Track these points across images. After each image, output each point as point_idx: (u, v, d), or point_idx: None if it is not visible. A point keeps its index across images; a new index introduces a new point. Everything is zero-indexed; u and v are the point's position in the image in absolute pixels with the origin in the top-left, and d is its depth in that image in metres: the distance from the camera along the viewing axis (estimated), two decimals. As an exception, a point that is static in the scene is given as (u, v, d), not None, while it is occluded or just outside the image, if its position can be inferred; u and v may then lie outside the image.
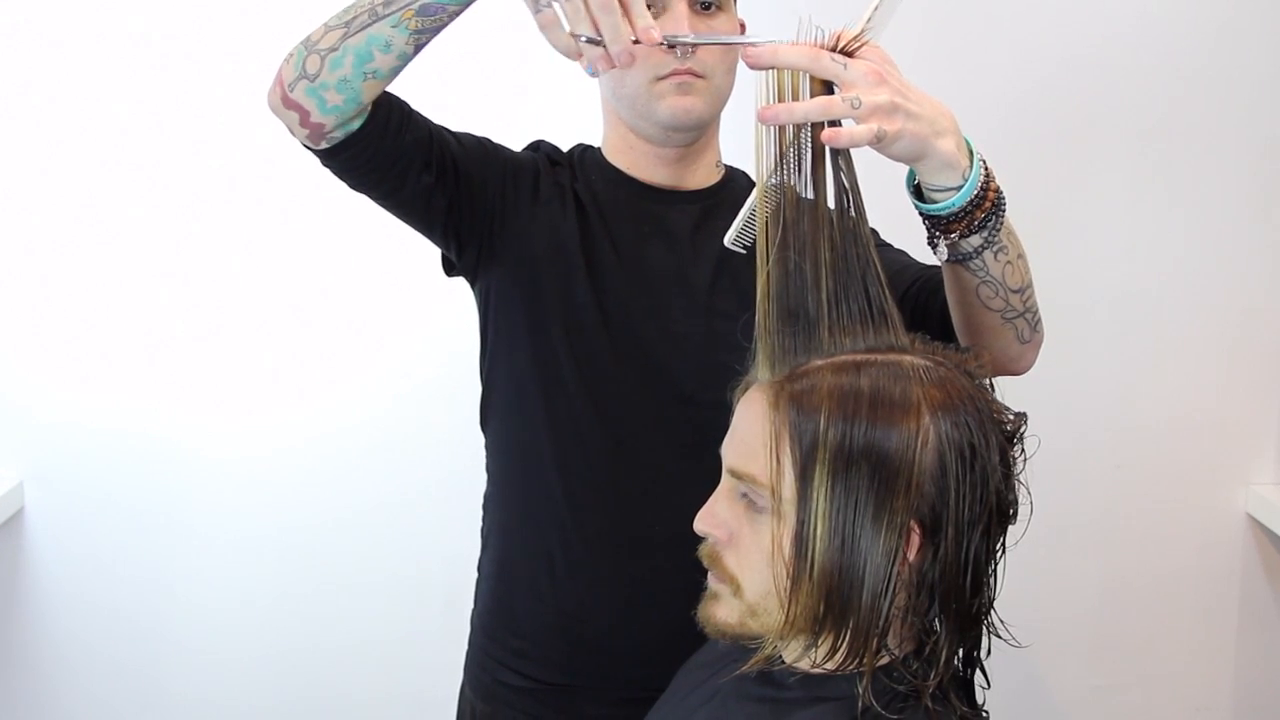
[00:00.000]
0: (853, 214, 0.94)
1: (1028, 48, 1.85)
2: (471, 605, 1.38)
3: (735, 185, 1.31)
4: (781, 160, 0.93)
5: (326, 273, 1.86)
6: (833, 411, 0.84)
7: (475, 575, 1.39)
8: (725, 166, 1.33)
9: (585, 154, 1.32)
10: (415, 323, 1.86)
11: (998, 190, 0.97)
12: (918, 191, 0.99)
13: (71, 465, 1.89)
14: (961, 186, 0.95)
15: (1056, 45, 1.84)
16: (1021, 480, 0.90)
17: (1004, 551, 0.90)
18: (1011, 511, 0.89)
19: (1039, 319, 1.11)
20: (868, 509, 0.83)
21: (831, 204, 0.94)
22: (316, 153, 1.13)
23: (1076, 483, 1.94)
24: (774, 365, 0.91)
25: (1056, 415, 1.90)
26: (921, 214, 0.99)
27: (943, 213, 0.96)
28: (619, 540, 1.24)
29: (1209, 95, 1.86)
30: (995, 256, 1.00)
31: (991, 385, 0.93)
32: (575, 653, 1.27)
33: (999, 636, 0.91)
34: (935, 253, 1.01)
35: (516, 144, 1.33)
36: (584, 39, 0.93)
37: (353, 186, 1.18)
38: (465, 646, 1.38)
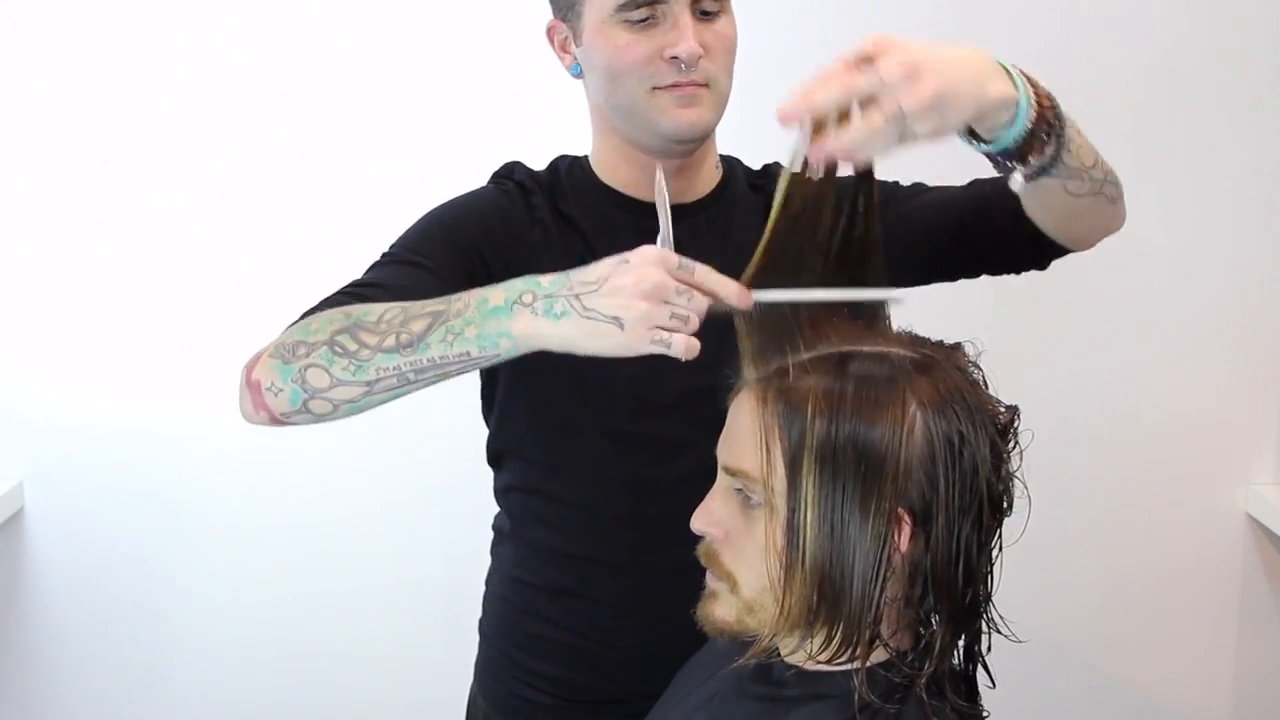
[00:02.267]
0: (862, 204, 0.94)
1: (1027, 45, 1.84)
2: (475, 605, 1.37)
3: (735, 183, 1.26)
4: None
5: (327, 271, 1.85)
6: (819, 403, 0.85)
7: (477, 574, 1.38)
8: (721, 159, 1.27)
9: (572, 170, 1.24)
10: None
11: (1049, 96, 0.95)
12: (971, 133, 0.95)
13: (71, 465, 1.89)
14: (1016, 116, 0.92)
15: (1056, 42, 1.84)
16: (1019, 477, 0.90)
17: (1000, 547, 0.90)
18: (1005, 504, 0.89)
19: (1114, 172, 1.10)
20: (855, 496, 0.83)
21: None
22: None
23: (1076, 482, 1.94)
24: (761, 362, 0.91)
25: (1056, 414, 1.90)
26: (988, 154, 0.97)
27: (1010, 145, 0.94)
28: (639, 566, 1.21)
29: (1210, 94, 1.86)
30: (1071, 153, 0.98)
31: (985, 382, 0.93)
32: (597, 674, 1.25)
33: (998, 632, 0.91)
34: (1011, 183, 1.00)
35: (501, 156, 1.27)
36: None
37: None
38: (468, 647, 1.37)
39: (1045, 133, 0.95)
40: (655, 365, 1.18)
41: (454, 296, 0.96)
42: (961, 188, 1.21)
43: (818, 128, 0.87)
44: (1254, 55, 1.85)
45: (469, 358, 0.94)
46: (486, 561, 1.37)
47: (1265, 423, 1.95)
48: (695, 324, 0.89)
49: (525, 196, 1.21)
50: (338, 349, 0.97)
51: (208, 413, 1.88)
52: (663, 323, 0.88)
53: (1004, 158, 0.96)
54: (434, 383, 0.98)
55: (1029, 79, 0.94)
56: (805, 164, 0.90)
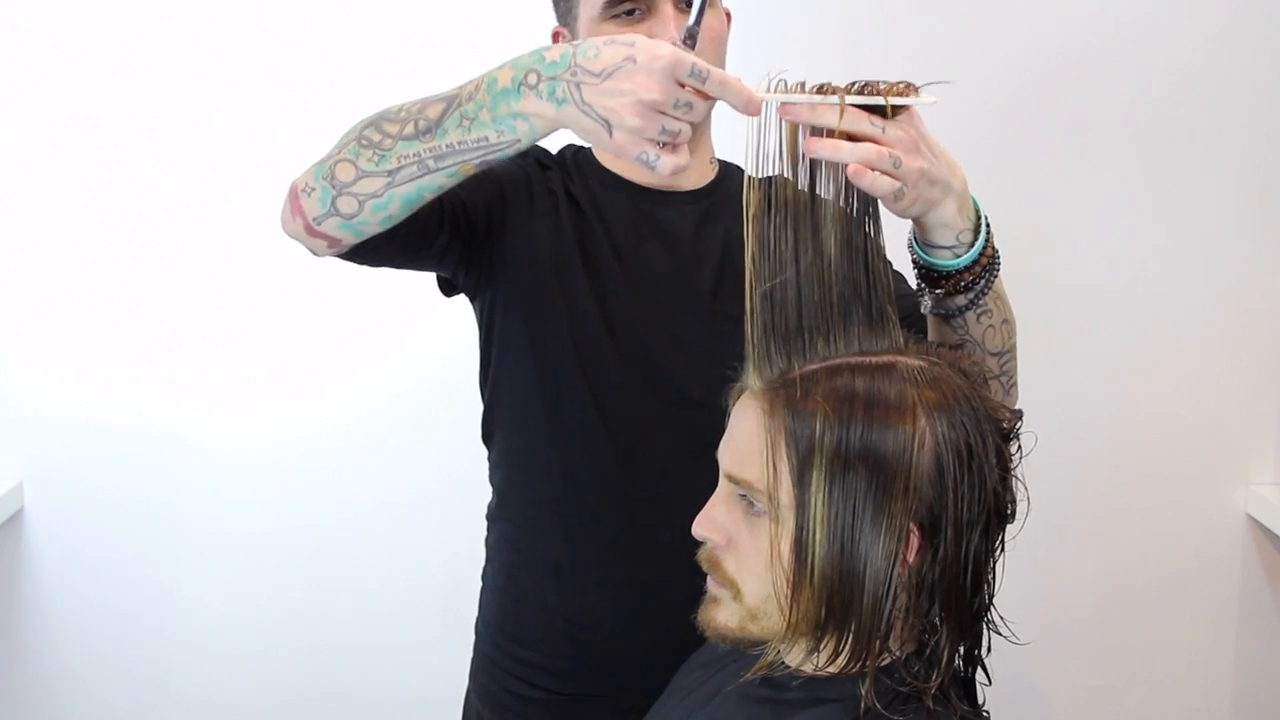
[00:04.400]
0: (869, 215, 0.94)
1: (1027, 46, 1.85)
2: (471, 604, 1.38)
3: (731, 181, 1.30)
4: (802, 164, 0.93)
5: (327, 270, 1.86)
6: (828, 415, 0.84)
7: (473, 573, 1.38)
8: (719, 162, 1.32)
9: (578, 155, 1.29)
10: (416, 320, 1.86)
11: (994, 254, 0.98)
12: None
13: (71, 465, 1.89)
14: (954, 247, 0.96)
15: (1055, 43, 1.84)
16: (1020, 479, 0.90)
17: (1003, 551, 0.90)
18: (1009, 510, 0.89)
19: (1014, 383, 1.11)
20: (866, 512, 0.83)
21: (845, 199, 0.94)
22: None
23: (1076, 483, 1.94)
24: (768, 369, 0.91)
25: (1056, 415, 1.90)
26: (915, 264, 1.00)
27: (937, 269, 0.98)
28: (627, 546, 1.23)
29: (1208, 94, 1.86)
30: (978, 319, 1.01)
31: (987, 383, 0.93)
32: (584, 661, 1.26)
33: (999, 634, 0.91)
34: (920, 304, 1.03)
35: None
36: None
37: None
38: (466, 647, 1.38)
39: (969, 283, 0.98)
40: (654, 341, 1.21)
41: (467, 81, 0.97)
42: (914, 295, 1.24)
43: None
44: (1254, 54, 1.85)
45: (488, 143, 0.95)
46: (484, 562, 1.38)
47: (1265, 423, 1.95)
48: (687, 136, 0.89)
49: (542, 170, 1.27)
50: (364, 141, 0.99)
51: (208, 413, 1.88)
52: (653, 135, 0.88)
53: (923, 278, 1.00)
54: (456, 176, 0.99)
55: (990, 230, 0.98)
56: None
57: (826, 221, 0.93)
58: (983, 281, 0.98)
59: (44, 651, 1.94)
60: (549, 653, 1.27)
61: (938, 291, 0.99)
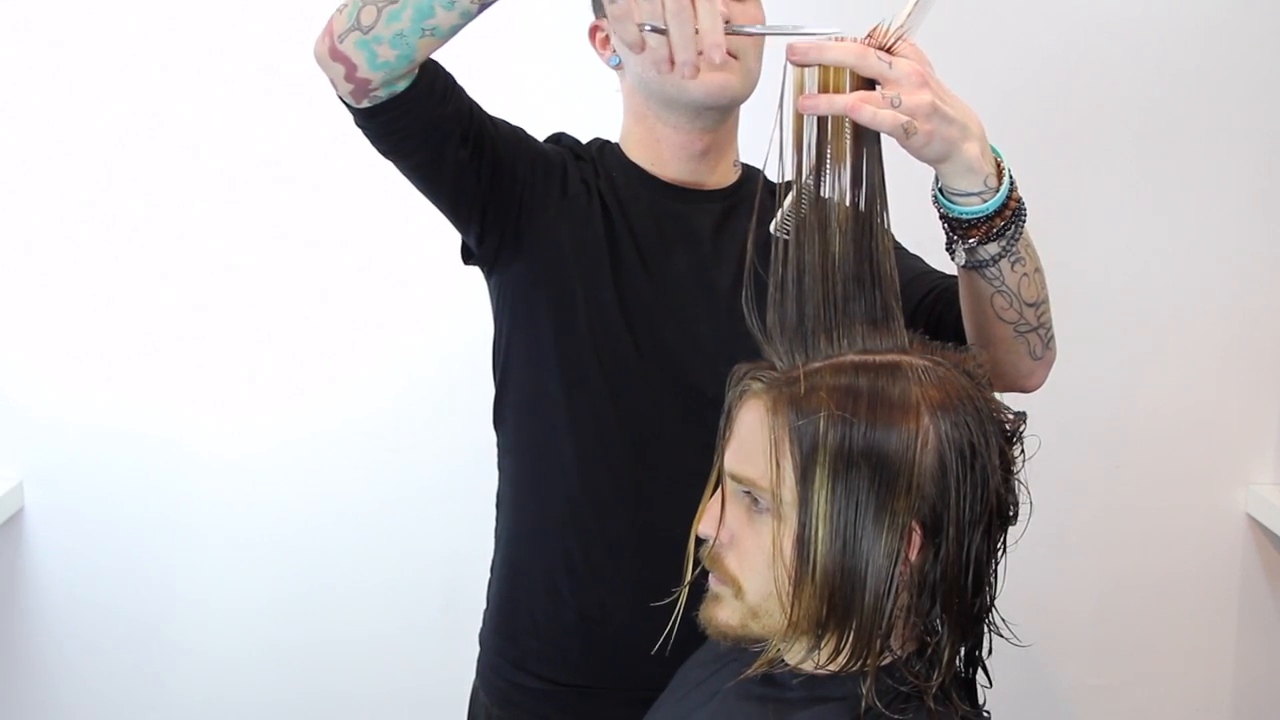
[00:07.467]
0: (877, 213, 0.94)
1: (1028, 45, 1.85)
2: (472, 603, 1.38)
3: (753, 184, 1.31)
4: (807, 153, 0.93)
5: (326, 271, 1.86)
6: (832, 413, 0.84)
7: (474, 573, 1.38)
8: (742, 165, 1.32)
9: (605, 149, 1.31)
10: (415, 321, 1.86)
11: (1019, 200, 0.98)
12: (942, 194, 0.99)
13: (71, 465, 1.89)
14: (982, 192, 0.95)
15: (1056, 42, 1.84)
16: (1021, 480, 0.90)
17: (1004, 551, 0.90)
18: (1011, 511, 0.89)
19: (1052, 336, 1.12)
20: (869, 510, 0.83)
21: (851, 198, 0.94)
22: (356, 111, 1.11)
23: (1076, 483, 1.94)
24: (771, 368, 0.91)
25: (1056, 415, 1.89)
26: (942, 216, 0.99)
27: (966, 217, 0.97)
28: (640, 541, 1.24)
29: (1209, 93, 1.86)
30: (1012, 267, 1.00)
31: (990, 384, 0.93)
32: (593, 653, 1.26)
33: (1000, 635, 0.91)
34: (953, 258, 1.02)
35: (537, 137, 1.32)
36: (649, 28, 0.92)
37: (385, 152, 1.15)
38: (465, 644, 1.38)
39: (1000, 229, 0.98)
40: (672, 338, 1.22)
41: None
42: (941, 273, 1.24)
43: (822, 88, 0.92)
44: (1254, 54, 1.85)
45: None
46: (486, 561, 1.38)
47: (1265, 423, 1.95)
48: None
49: (576, 160, 1.29)
50: None
51: (208, 414, 1.88)
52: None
53: (954, 229, 0.99)
54: None
55: (1012, 178, 0.98)
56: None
57: (833, 218, 0.93)
58: (1014, 227, 0.98)
59: (44, 651, 1.95)
60: (559, 644, 1.27)
61: (971, 241, 0.98)
